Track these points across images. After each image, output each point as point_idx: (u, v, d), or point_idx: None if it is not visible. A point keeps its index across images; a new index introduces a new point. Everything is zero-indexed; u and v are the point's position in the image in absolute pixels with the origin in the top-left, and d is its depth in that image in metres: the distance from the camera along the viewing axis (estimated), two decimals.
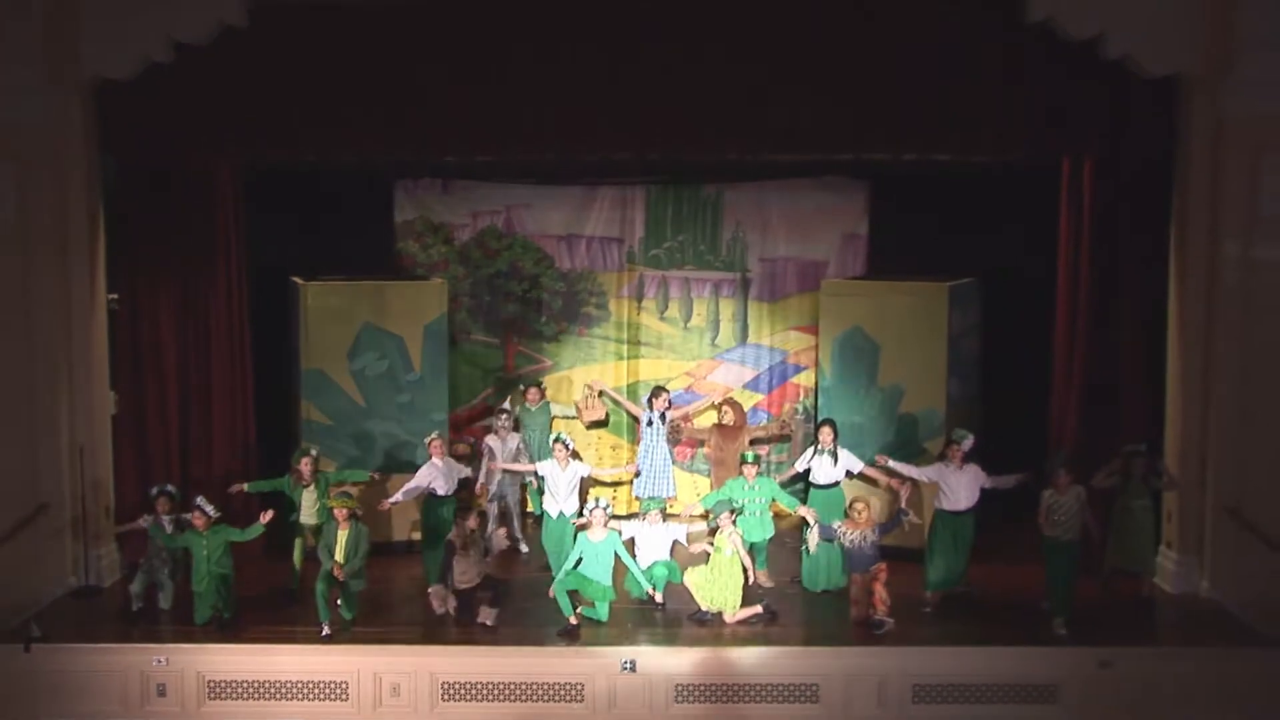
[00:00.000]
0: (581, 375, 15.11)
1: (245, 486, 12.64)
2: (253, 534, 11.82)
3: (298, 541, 12.46)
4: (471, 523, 11.80)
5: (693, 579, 11.81)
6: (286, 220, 14.53)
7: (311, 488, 12.36)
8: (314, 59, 12.51)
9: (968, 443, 12.21)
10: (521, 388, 14.46)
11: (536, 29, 12.50)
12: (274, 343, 14.08)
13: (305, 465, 12.39)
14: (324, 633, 11.35)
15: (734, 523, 11.86)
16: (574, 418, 14.65)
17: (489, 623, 11.56)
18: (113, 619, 11.92)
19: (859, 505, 11.91)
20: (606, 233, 15.11)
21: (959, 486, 12.15)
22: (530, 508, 14.15)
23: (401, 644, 11.33)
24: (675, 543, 12.17)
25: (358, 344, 13.52)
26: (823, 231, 14.96)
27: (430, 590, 12.02)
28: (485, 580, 11.77)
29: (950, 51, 12.42)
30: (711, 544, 11.94)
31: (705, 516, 12.80)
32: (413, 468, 12.84)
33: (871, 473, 12.84)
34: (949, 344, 13.05)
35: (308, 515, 12.37)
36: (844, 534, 11.82)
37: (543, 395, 14.44)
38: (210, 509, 11.63)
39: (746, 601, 11.79)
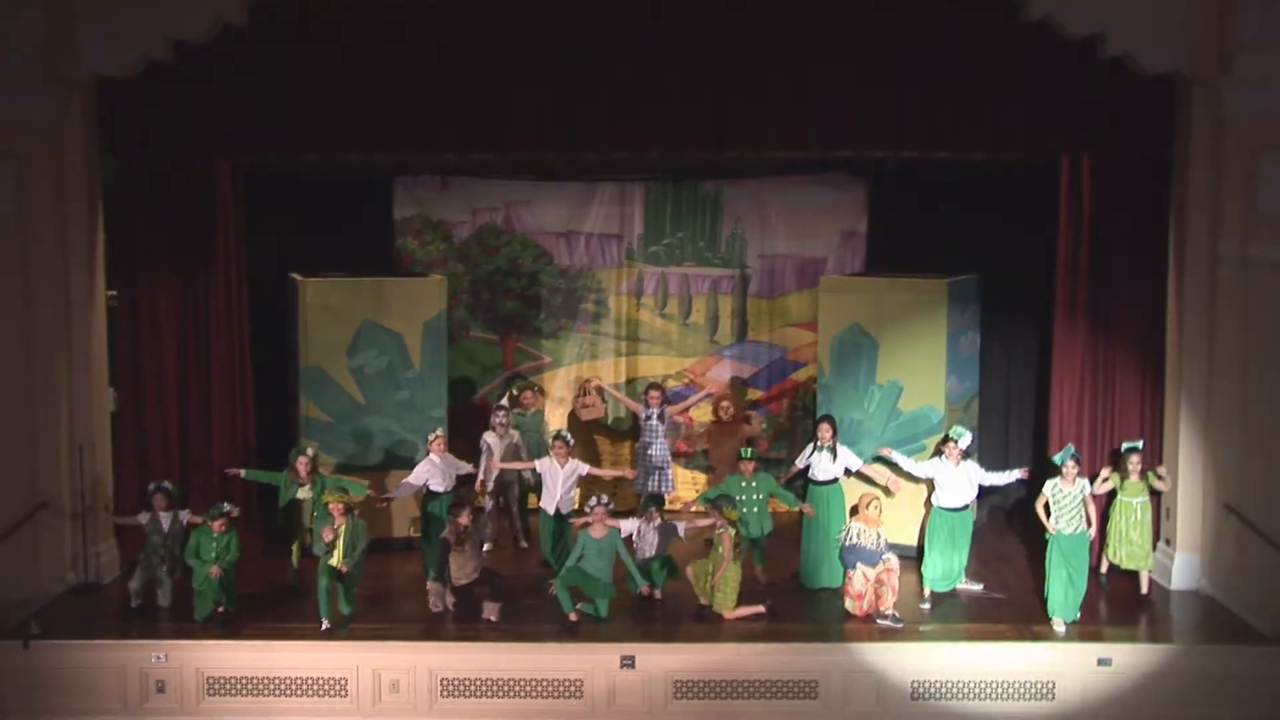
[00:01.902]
0: (580, 372, 15.14)
1: (243, 472, 12.67)
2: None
3: (295, 538, 12.48)
4: (465, 519, 11.79)
5: (693, 571, 11.84)
6: (286, 217, 14.54)
7: (308, 487, 12.38)
8: (314, 57, 12.52)
9: (965, 441, 12.24)
10: (515, 391, 14.43)
11: (535, 27, 12.50)
12: (273, 340, 14.08)
13: (301, 464, 12.41)
14: (324, 627, 11.38)
15: (735, 520, 11.86)
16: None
17: (494, 618, 11.56)
18: (112, 616, 11.93)
19: (875, 503, 11.96)
20: (605, 229, 15.13)
21: (956, 483, 12.18)
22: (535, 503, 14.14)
23: (400, 640, 11.34)
24: (673, 539, 12.19)
25: (357, 341, 13.53)
26: (822, 228, 15.00)
27: (428, 587, 12.03)
28: (483, 575, 11.77)
29: (949, 49, 12.43)
30: (710, 540, 11.96)
31: (704, 513, 12.80)
32: (412, 465, 12.85)
33: (869, 471, 12.85)
34: (948, 341, 13.06)
35: (305, 515, 12.39)
36: (860, 532, 11.87)
37: (536, 398, 14.44)
38: (229, 507, 11.72)
39: (748, 600, 11.80)
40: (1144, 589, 12.37)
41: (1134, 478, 12.26)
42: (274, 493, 12.63)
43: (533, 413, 14.23)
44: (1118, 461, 12.39)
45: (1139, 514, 12.28)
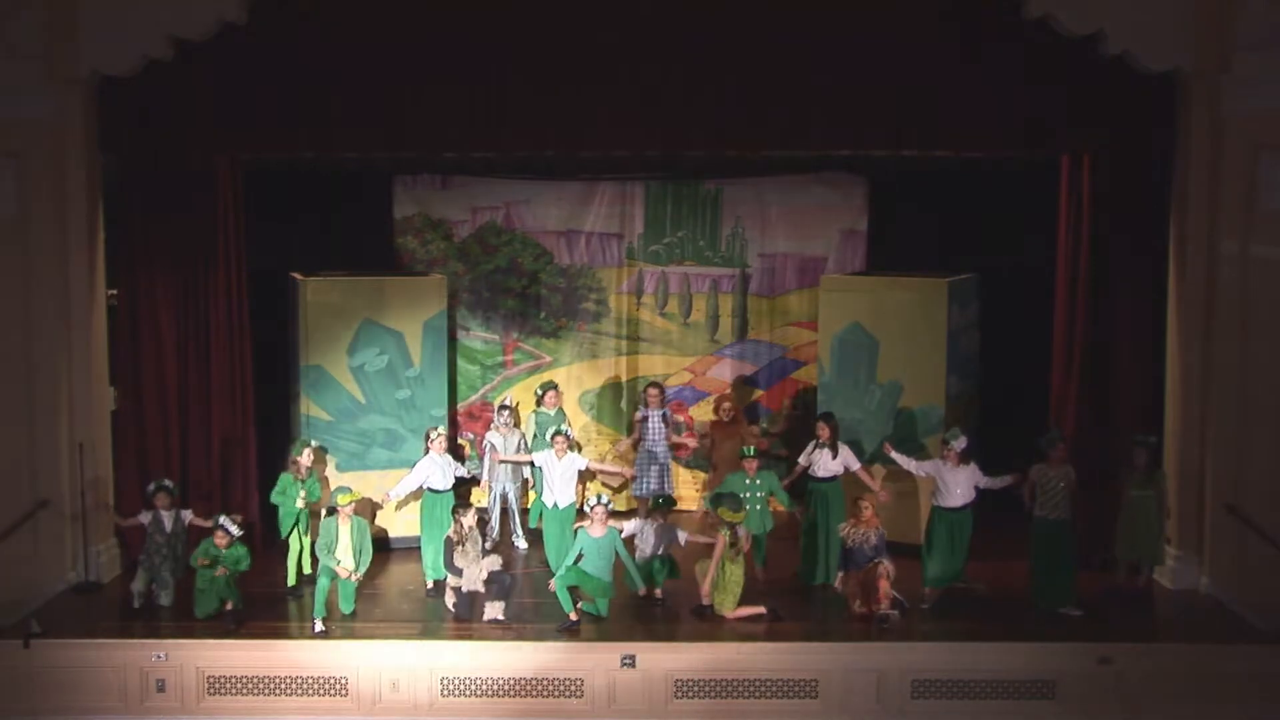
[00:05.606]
0: (581, 372, 15.13)
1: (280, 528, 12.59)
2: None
3: (294, 536, 12.48)
4: (469, 519, 11.79)
5: (699, 568, 11.85)
6: (286, 216, 14.53)
7: (302, 491, 12.40)
8: (314, 56, 12.52)
9: (958, 443, 12.19)
10: (539, 392, 14.30)
11: (535, 26, 12.50)
12: (273, 339, 14.07)
13: (307, 456, 12.45)
14: (317, 629, 11.35)
15: (738, 523, 11.84)
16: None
17: (501, 617, 11.55)
18: (112, 615, 11.95)
19: (864, 503, 11.97)
20: (606, 228, 15.11)
21: (955, 484, 12.17)
22: (529, 503, 14.12)
23: (401, 639, 11.34)
24: (673, 542, 12.18)
25: (357, 340, 13.53)
26: (822, 227, 14.99)
27: (449, 589, 11.97)
28: (492, 574, 11.73)
29: (949, 48, 12.43)
30: (711, 540, 11.96)
31: (706, 514, 12.80)
32: (412, 464, 12.85)
33: (865, 476, 12.80)
34: (948, 340, 13.07)
35: (303, 504, 12.42)
36: (848, 532, 11.90)
37: (559, 397, 14.35)
38: (234, 528, 11.65)
39: (748, 600, 11.79)
40: (1141, 584, 12.32)
41: (1139, 471, 12.17)
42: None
43: (555, 412, 14.17)
44: (1132, 451, 12.35)
45: (1139, 506, 12.16)
